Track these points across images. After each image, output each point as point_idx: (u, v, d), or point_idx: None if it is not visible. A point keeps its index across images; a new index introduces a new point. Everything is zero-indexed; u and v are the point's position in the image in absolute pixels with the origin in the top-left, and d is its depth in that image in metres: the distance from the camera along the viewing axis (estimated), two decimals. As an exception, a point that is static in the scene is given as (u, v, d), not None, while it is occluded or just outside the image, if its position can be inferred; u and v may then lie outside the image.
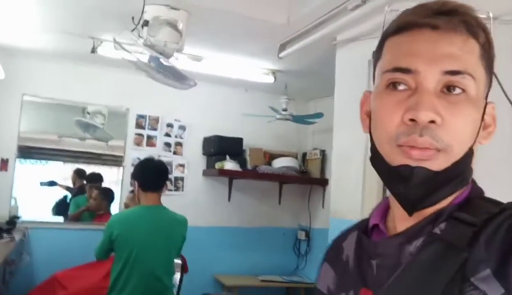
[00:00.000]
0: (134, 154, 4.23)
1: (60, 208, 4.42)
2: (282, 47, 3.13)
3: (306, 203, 4.78)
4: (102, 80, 4.09)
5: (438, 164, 0.60)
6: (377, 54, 0.70)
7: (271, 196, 4.71)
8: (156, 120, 4.32)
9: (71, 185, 4.50)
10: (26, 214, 3.92)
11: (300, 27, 2.84)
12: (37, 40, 3.47)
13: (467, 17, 0.63)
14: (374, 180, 2.52)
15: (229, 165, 4.22)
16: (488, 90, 0.68)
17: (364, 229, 0.76)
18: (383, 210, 0.76)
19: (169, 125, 4.37)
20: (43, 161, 4.68)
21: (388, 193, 0.71)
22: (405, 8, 0.67)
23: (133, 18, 2.58)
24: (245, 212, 4.60)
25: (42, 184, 4.48)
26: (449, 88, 0.61)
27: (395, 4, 0.72)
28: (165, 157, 4.22)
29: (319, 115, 4.03)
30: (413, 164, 0.60)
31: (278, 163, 4.47)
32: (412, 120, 0.60)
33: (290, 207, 4.79)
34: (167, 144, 4.37)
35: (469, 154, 0.63)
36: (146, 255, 2.51)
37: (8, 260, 2.59)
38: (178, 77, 2.80)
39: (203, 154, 4.49)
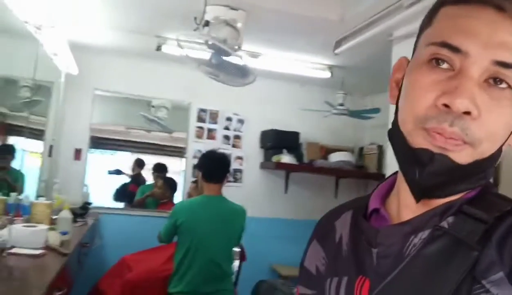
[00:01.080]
0: (196, 146, 4.43)
1: (120, 195, 4.74)
2: (338, 43, 3.17)
3: (362, 198, 4.76)
4: (166, 76, 4.31)
5: (462, 156, 0.55)
6: (428, 21, 0.61)
7: (327, 190, 4.76)
8: (216, 114, 4.50)
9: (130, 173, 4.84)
10: (97, 200, 4.23)
11: (355, 24, 2.87)
12: (107, 38, 3.73)
13: None
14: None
15: (286, 158, 4.31)
16: None
17: (362, 211, 0.70)
18: (384, 192, 0.70)
19: (228, 119, 4.54)
20: (112, 151, 5.04)
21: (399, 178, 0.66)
22: None
23: (195, 18, 2.73)
24: (301, 204, 4.68)
25: (109, 172, 4.83)
26: (495, 80, 0.55)
27: None
28: (224, 149, 4.39)
29: (376, 110, 4.02)
30: (435, 150, 0.55)
31: (334, 157, 4.51)
32: (446, 106, 0.54)
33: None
34: (226, 137, 4.53)
35: (497, 154, 0.58)
36: (207, 242, 2.66)
37: (82, 242, 2.84)
38: (238, 73, 2.91)
39: (261, 147, 4.62)
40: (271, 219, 4.58)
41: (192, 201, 2.83)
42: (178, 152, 4.72)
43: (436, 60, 0.57)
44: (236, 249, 3.07)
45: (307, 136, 4.59)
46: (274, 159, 4.37)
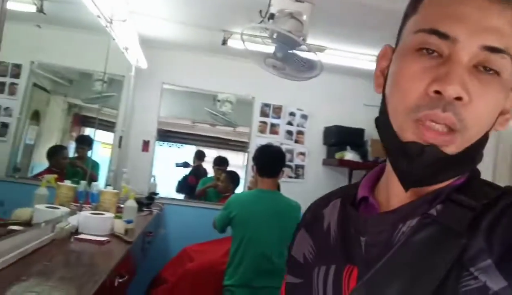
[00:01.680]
0: (258, 141, 4.42)
1: (181, 186, 4.84)
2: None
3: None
4: (231, 71, 4.35)
5: (451, 147, 0.55)
6: (412, 7, 0.60)
7: (393, 189, 4.58)
8: (280, 109, 4.47)
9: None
10: (162, 191, 4.35)
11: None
12: (174, 33, 3.81)
13: None
14: (506, 165, 2.34)
15: (349, 155, 4.20)
16: None
17: (351, 199, 0.70)
18: (373, 180, 0.70)
19: (292, 114, 4.49)
20: (178, 144, 5.16)
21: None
22: None
23: (260, 11, 2.71)
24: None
25: (177, 165, 4.95)
26: (484, 65, 0.54)
27: None
28: (287, 144, 4.36)
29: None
30: (424, 143, 0.55)
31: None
32: (437, 92, 0.54)
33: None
34: (289, 133, 4.49)
35: (484, 139, 0.58)
36: (258, 236, 2.65)
37: (146, 231, 2.93)
38: (304, 66, 2.85)
39: (324, 143, 4.53)
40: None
41: (246, 194, 2.83)
42: (242, 146, 4.75)
43: (426, 49, 0.56)
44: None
45: (373, 133, 4.44)
46: (337, 155, 4.27)
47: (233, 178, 4.68)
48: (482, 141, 0.58)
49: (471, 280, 0.52)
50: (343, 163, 4.25)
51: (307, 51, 2.71)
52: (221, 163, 4.78)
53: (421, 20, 0.58)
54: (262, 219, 2.68)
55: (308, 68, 2.86)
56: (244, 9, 2.98)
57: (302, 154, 4.49)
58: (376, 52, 3.11)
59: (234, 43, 3.53)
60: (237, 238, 2.71)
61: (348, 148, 4.23)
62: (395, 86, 0.59)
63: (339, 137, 4.30)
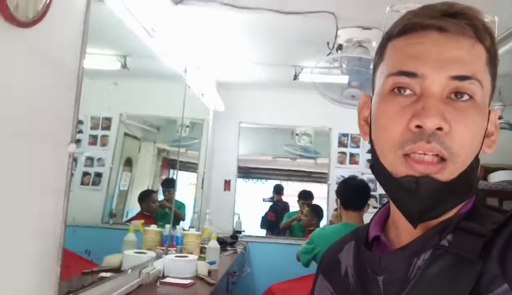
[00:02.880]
0: (338, 172, 4.34)
1: (264, 222, 4.82)
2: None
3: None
4: (305, 104, 4.35)
5: (445, 174, 0.56)
6: (379, 56, 0.65)
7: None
8: (358, 138, 4.36)
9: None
10: (247, 228, 4.38)
11: (507, 26, 2.54)
12: (249, 74, 3.92)
13: (475, 21, 0.58)
14: None
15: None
16: (492, 97, 0.62)
17: (363, 240, 0.70)
18: (382, 220, 0.71)
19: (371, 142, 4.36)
20: (260, 180, 5.20)
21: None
22: (407, 9, 0.62)
23: (328, 43, 2.71)
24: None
25: (264, 200, 4.97)
26: (456, 94, 0.57)
27: (397, 5, 0.67)
28: (368, 174, 4.20)
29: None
30: (417, 174, 0.56)
31: (495, 177, 4.00)
32: (418, 127, 0.56)
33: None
34: (369, 161, 4.35)
35: (475, 163, 0.59)
36: None
37: (230, 271, 2.94)
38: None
39: (406, 169, 4.32)
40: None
41: (330, 229, 2.74)
42: (323, 178, 4.67)
43: (398, 89, 0.59)
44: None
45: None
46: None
47: (317, 211, 4.60)
48: (474, 165, 0.59)
49: None
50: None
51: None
52: (306, 196, 4.72)
53: (388, 66, 0.62)
54: None
55: None
56: (312, 43, 2.99)
57: (385, 182, 4.32)
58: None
59: (305, 77, 3.55)
60: None
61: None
62: (379, 129, 0.62)
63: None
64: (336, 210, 3.48)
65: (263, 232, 4.76)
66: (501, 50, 2.81)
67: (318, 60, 2.75)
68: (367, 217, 2.68)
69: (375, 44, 2.67)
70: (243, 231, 4.22)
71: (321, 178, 4.76)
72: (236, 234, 3.98)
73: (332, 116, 4.30)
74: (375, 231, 0.70)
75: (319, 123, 4.43)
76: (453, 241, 0.58)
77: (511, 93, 3.75)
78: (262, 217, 4.92)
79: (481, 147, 0.61)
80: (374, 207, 4.23)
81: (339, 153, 4.39)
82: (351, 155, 4.38)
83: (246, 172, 4.75)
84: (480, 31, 0.59)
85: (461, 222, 0.59)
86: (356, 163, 4.37)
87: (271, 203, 4.89)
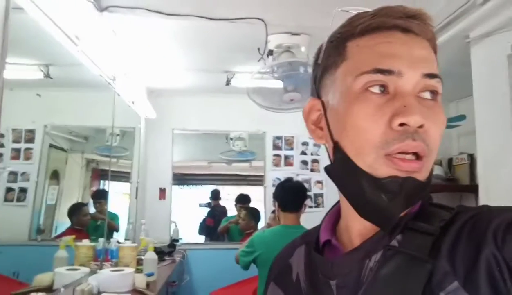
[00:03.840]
0: (274, 174, 4.41)
1: (201, 229, 4.79)
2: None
3: (457, 213, 4.44)
4: (239, 108, 4.36)
5: (423, 173, 0.58)
6: (337, 57, 0.64)
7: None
8: (292, 140, 4.45)
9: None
10: (185, 236, 4.32)
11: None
12: (180, 80, 3.88)
13: (429, 24, 0.61)
14: None
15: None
16: None
17: (313, 244, 0.70)
18: (332, 222, 0.70)
19: (304, 143, 4.47)
20: (196, 186, 5.15)
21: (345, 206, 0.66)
22: (356, 10, 0.63)
23: (258, 49, 2.74)
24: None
25: (200, 205, 4.91)
26: (426, 92, 0.59)
27: (346, 7, 0.67)
28: (303, 174, 4.32)
29: (461, 118, 3.75)
30: (402, 175, 0.56)
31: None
32: (402, 125, 0.56)
33: (440, 218, 4.49)
34: (304, 163, 4.46)
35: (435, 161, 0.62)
36: None
37: (169, 281, 2.89)
38: (306, 85, 2.80)
39: (340, 169, 4.48)
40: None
41: (269, 232, 2.77)
42: (259, 181, 4.72)
43: (374, 87, 0.59)
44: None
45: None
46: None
47: (254, 214, 4.64)
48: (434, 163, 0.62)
49: None
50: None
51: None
52: (243, 200, 4.74)
53: (358, 64, 0.61)
54: None
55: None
56: (243, 49, 3.01)
57: (320, 182, 4.44)
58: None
59: (237, 82, 3.57)
60: (263, 278, 2.64)
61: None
62: (352, 129, 0.60)
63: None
64: (273, 212, 3.53)
65: (202, 239, 4.73)
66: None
67: (254, 69, 2.77)
68: (303, 217, 2.74)
69: (304, 49, 2.74)
70: (181, 238, 4.16)
71: (257, 180, 4.81)
72: (173, 243, 3.91)
73: (266, 119, 4.35)
74: (326, 235, 0.69)
75: (253, 127, 4.47)
76: (402, 241, 0.58)
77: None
78: (200, 223, 4.88)
79: None
80: (310, 206, 4.34)
81: (274, 155, 4.46)
82: (286, 157, 4.46)
83: (181, 179, 4.69)
84: (432, 34, 0.62)
85: (409, 222, 0.60)
86: (290, 164, 4.45)
87: (208, 209, 4.86)
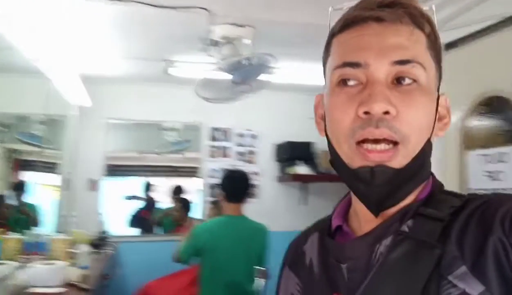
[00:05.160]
0: (210, 165, 4.40)
1: (134, 221, 4.67)
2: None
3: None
4: (176, 98, 4.29)
5: (398, 160, 0.59)
6: (326, 53, 0.69)
7: (347, 198, 4.67)
8: (228, 131, 4.46)
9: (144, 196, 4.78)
10: (116, 229, 4.19)
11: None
12: (116, 68, 3.73)
13: (411, 9, 0.62)
14: (453, 176, 2.43)
15: (302, 169, 4.25)
16: (439, 82, 0.66)
17: (326, 230, 0.72)
18: (344, 209, 0.73)
19: (241, 135, 4.50)
20: (128, 177, 5.00)
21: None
22: (350, 6, 0.66)
23: (201, 38, 2.71)
24: (320, 215, 4.44)
25: (126, 198, 4.77)
26: (399, 79, 0.60)
27: (338, 5, 0.71)
28: (239, 166, 4.34)
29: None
30: (372, 164, 0.58)
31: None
32: (366, 113, 0.58)
33: (367, 208, 4.72)
34: (241, 154, 4.49)
35: (428, 147, 0.62)
36: (228, 263, 2.60)
37: (103, 274, 2.80)
38: (254, 77, 2.78)
39: (276, 160, 4.56)
40: (291, 232, 4.43)
41: (214, 222, 2.76)
42: (192, 172, 4.68)
43: (343, 81, 0.62)
44: (260, 268, 2.99)
45: (322, 145, 4.51)
46: (290, 171, 4.30)
47: (187, 206, 4.61)
48: (426, 149, 0.62)
49: (451, 288, 0.54)
50: (296, 177, 4.29)
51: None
52: (177, 191, 4.68)
53: (333, 60, 0.65)
54: (231, 245, 2.63)
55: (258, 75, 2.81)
56: (185, 38, 2.96)
57: (256, 173, 4.49)
58: (314, 65, 3.16)
59: (176, 71, 3.50)
60: (206, 268, 2.63)
61: (299, 162, 4.27)
62: (332, 122, 0.64)
63: (290, 153, 4.34)
64: (213, 203, 3.52)
65: (135, 231, 4.61)
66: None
67: (195, 59, 2.73)
68: (248, 207, 2.76)
69: (249, 42, 2.75)
70: (113, 231, 4.02)
71: (192, 172, 4.76)
72: (105, 235, 3.78)
73: (204, 110, 4.30)
74: (338, 221, 0.71)
75: (190, 117, 4.42)
76: (413, 227, 0.60)
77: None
78: (133, 216, 4.75)
79: (432, 130, 0.63)
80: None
81: (211, 146, 4.44)
82: (223, 149, 4.45)
83: (114, 170, 4.53)
84: (417, 18, 0.62)
85: (420, 208, 0.61)
86: (227, 155, 4.46)
87: (140, 201, 4.74)
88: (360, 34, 0.62)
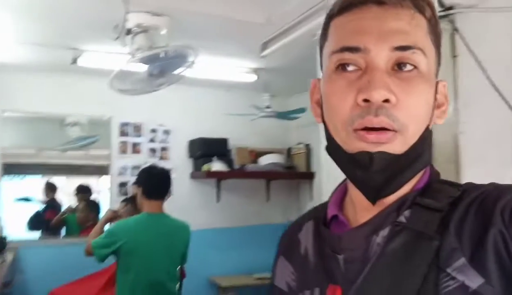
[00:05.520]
0: (120, 162, 4.21)
1: (35, 223, 4.34)
2: (264, 46, 3.16)
3: (294, 198, 4.85)
4: (84, 91, 4.03)
5: (396, 146, 0.58)
6: (323, 37, 0.67)
7: (260, 194, 4.74)
8: (140, 126, 4.30)
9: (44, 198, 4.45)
10: (15, 232, 3.85)
11: (281, 25, 2.87)
12: (14, 54, 3.41)
13: None
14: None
15: (216, 166, 4.23)
16: (438, 68, 0.65)
17: (322, 220, 0.71)
18: (340, 197, 0.71)
19: (153, 130, 4.35)
20: (27, 176, 4.61)
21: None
22: None
23: (115, 27, 2.57)
24: (234, 211, 4.62)
25: (17, 200, 4.37)
26: (400, 65, 0.59)
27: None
28: (152, 162, 4.20)
29: (302, 110, 4.07)
30: (371, 149, 0.57)
31: (264, 160, 4.51)
32: (365, 100, 0.57)
33: (279, 203, 4.84)
34: (153, 150, 4.35)
35: (427, 134, 0.61)
36: (150, 263, 2.51)
37: (4, 283, 2.54)
38: (172, 70, 2.69)
39: (190, 157, 4.48)
40: (205, 230, 4.45)
41: (133, 221, 2.63)
42: (100, 170, 4.44)
43: (342, 66, 0.60)
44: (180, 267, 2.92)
45: (236, 141, 4.54)
46: (204, 167, 4.26)
47: (94, 206, 4.38)
48: (426, 136, 0.61)
49: (450, 281, 0.53)
50: (210, 174, 4.26)
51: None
52: (82, 190, 4.41)
53: (331, 44, 0.63)
54: (152, 244, 2.53)
55: (177, 64, 2.73)
56: (95, 25, 2.79)
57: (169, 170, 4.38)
58: (234, 62, 3.18)
59: (85, 61, 3.29)
60: (126, 268, 2.50)
61: (214, 158, 4.25)
62: (329, 108, 0.63)
63: (204, 149, 4.29)
64: (126, 201, 3.36)
65: (36, 234, 4.26)
66: (268, 50, 3.16)
67: (108, 49, 2.58)
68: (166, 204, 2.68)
69: (164, 31, 2.67)
70: (12, 235, 3.68)
71: (99, 170, 4.52)
72: (4, 240, 3.45)
73: (113, 104, 4.09)
74: (333, 210, 0.69)
75: (97, 111, 4.18)
76: (410, 217, 0.59)
77: (277, 86, 4.28)
78: (31, 218, 4.37)
79: (431, 117, 0.62)
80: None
81: (121, 142, 4.24)
82: (134, 144, 4.28)
83: (11, 169, 4.14)
84: (418, 1, 0.60)
85: (417, 198, 0.60)
86: (138, 152, 4.28)
87: (35, 203, 4.39)
88: (359, 17, 0.60)
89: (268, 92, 4.06)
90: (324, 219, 0.71)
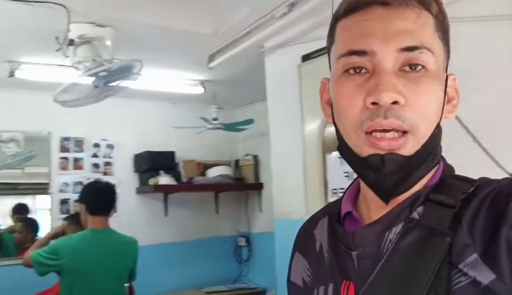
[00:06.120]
0: (61, 179, 4.02)
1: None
2: (211, 57, 3.15)
3: (243, 209, 4.84)
4: (20, 105, 3.83)
5: (408, 148, 0.58)
6: (330, 39, 0.67)
7: (208, 206, 4.70)
8: (82, 141, 4.13)
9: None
10: None
11: (228, 37, 2.87)
12: None
13: None
14: (315, 177, 2.61)
15: (164, 179, 4.15)
16: (447, 62, 0.65)
17: (336, 216, 0.72)
18: (354, 194, 0.72)
19: (96, 145, 4.20)
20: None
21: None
22: None
23: (57, 37, 2.47)
24: (183, 225, 4.53)
25: None
26: (407, 66, 0.59)
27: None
28: (95, 178, 4.05)
29: (249, 121, 4.08)
30: (382, 152, 0.58)
31: (212, 173, 4.47)
32: (374, 103, 0.57)
33: (228, 215, 4.81)
34: (96, 165, 4.19)
35: (437, 132, 0.62)
36: (96, 281, 2.42)
37: None
38: (117, 82, 2.62)
39: (135, 171, 4.36)
40: (153, 245, 4.32)
41: (76, 238, 2.51)
42: (39, 188, 4.21)
43: (349, 69, 0.61)
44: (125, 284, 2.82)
45: (183, 154, 4.46)
46: (151, 182, 4.16)
47: (32, 226, 4.15)
48: (436, 134, 0.61)
49: (462, 277, 0.54)
50: (157, 188, 4.17)
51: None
52: (19, 210, 4.17)
53: (338, 47, 0.63)
54: (98, 261, 2.44)
55: (124, 72, 2.66)
56: (35, 36, 2.67)
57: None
58: (181, 74, 3.15)
59: (24, 74, 3.13)
60: (70, 287, 2.40)
61: (161, 172, 4.16)
62: (339, 111, 0.63)
63: (151, 163, 4.19)
64: (67, 218, 3.21)
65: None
66: (215, 62, 3.15)
67: (47, 61, 2.48)
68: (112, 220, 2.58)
69: (109, 43, 2.59)
70: None
71: (37, 188, 4.29)
72: None
73: (53, 118, 3.91)
74: (347, 207, 0.70)
75: (37, 126, 3.97)
76: (423, 213, 0.59)
77: (224, 98, 4.27)
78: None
79: (442, 114, 0.62)
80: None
81: (61, 158, 4.05)
82: (75, 160, 4.09)
83: None
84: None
85: (430, 194, 0.61)
86: (80, 167, 4.10)
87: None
88: (365, 19, 0.60)
89: (215, 104, 4.04)
90: (338, 216, 0.71)
